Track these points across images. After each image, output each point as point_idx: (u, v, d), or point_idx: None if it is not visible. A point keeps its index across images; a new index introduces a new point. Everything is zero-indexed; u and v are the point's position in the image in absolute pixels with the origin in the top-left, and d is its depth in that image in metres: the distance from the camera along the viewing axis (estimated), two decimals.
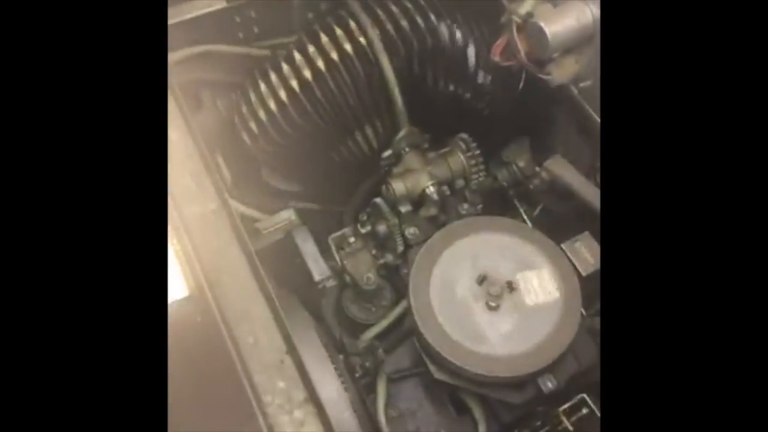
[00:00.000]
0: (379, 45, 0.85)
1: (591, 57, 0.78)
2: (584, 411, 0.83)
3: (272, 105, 0.86)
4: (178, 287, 0.49)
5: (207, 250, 0.51)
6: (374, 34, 0.85)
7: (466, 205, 0.91)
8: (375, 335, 0.89)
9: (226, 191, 0.79)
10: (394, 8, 0.88)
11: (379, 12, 0.87)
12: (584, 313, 0.86)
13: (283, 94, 0.86)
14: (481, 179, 0.92)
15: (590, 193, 0.88)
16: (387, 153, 0.91)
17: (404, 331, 0.91)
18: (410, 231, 0.88)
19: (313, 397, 0.48)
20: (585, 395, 0.84)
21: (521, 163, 0.95)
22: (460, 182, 0.91)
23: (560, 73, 0.79)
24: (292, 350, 0.49)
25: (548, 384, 0.76)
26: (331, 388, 0.70)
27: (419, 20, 0.87)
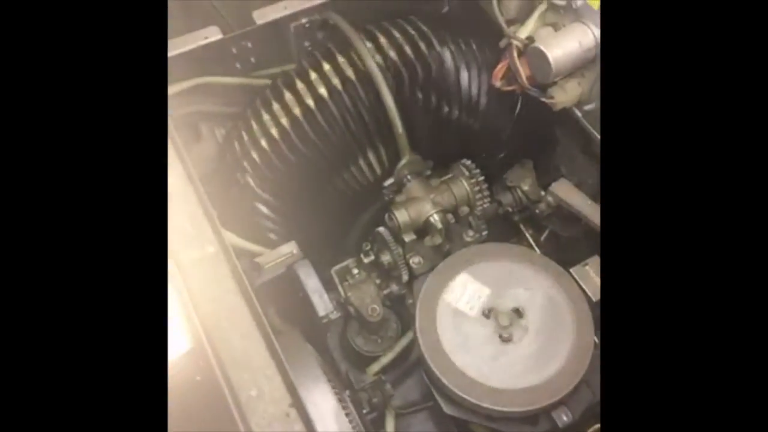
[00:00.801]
0: (378, 72, 0.84)
1: (594, 80, 0.76)
2: None
3: (274, 132, 0.85)
4: (176, 341, 0.47)
5: (206, 297, 0.49)
6: (374, 61, 0.84)
7: (471, 232, 0.89)
8: (382, 368, 0.87)
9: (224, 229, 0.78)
10: (396, 34, 0.87)
11: (381, 38, 0.87)
12: (597, 340, 0.83)
13: (285, 122, 0.85)
14: (485, 205, 0.90)
15: (598, 217, 0.87)
16: (389, 182, 0.90)
17: (412, 363, 0.89)
18: (415, 260, 0.87)
19: None
20: (600, 426, 0.81)
21: (526, 187, 0.93)
22: (464, 209, 0.89)
23: (563, 97, 0.78)
24: (297, 400, 0.46)
25: (563, 417, 0.74)
26: (340, 428, 0.68)
27: (422, 46, 0.86)
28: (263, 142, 0.85)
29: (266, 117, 0.85)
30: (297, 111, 0.84)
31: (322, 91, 0.84)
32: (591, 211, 0.86)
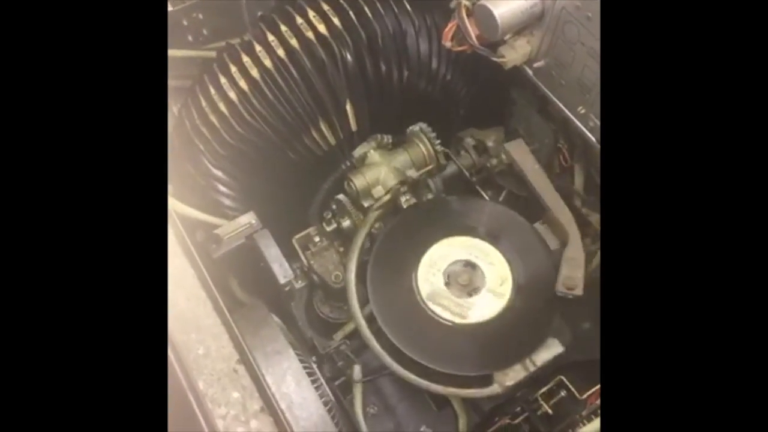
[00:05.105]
0: (327, 39, 0.83)
1: (542, 37, 0.77)
2: (563, 393, 0.83)
3: (223, 107, 0.84)
4: None
5: None
6: (318, 29, 0.83)
7: (429, 195, 0.90)
8: (347, 334, 0.88)
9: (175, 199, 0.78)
10: (340, 0, 0.86)
11: (324, 5, 0.86)
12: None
13: (232, 95, 0.84)
14: (442, 167, 0.91)
15: (540, 184, 0.87)
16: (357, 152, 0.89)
17: (377, 327, 0.90)
18: (375, 226, 0.87)
19: (270, 406, 0.47)
20: (562, 377, 0.83)
21: (490, 143, 0.94)
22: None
23: (513, 55, 0.78)
24: (245, 357, 0.47)
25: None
26: (303, 392, 0.69)
27: (367, 11, 0.86)
28: (213, 118, 0.85)
29: (213, 92, 0.85)
30: (243, 84, 0.84)
31: (267, 62, 0.83)
32: (535, 175, 0.87)
